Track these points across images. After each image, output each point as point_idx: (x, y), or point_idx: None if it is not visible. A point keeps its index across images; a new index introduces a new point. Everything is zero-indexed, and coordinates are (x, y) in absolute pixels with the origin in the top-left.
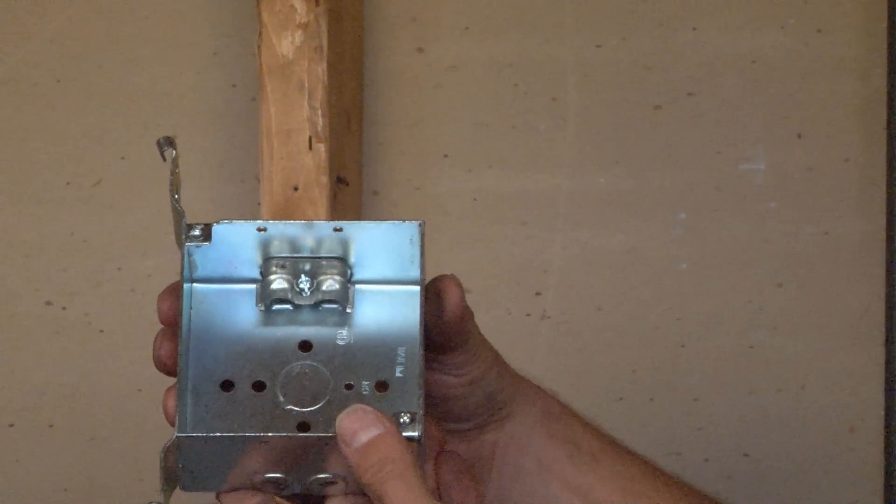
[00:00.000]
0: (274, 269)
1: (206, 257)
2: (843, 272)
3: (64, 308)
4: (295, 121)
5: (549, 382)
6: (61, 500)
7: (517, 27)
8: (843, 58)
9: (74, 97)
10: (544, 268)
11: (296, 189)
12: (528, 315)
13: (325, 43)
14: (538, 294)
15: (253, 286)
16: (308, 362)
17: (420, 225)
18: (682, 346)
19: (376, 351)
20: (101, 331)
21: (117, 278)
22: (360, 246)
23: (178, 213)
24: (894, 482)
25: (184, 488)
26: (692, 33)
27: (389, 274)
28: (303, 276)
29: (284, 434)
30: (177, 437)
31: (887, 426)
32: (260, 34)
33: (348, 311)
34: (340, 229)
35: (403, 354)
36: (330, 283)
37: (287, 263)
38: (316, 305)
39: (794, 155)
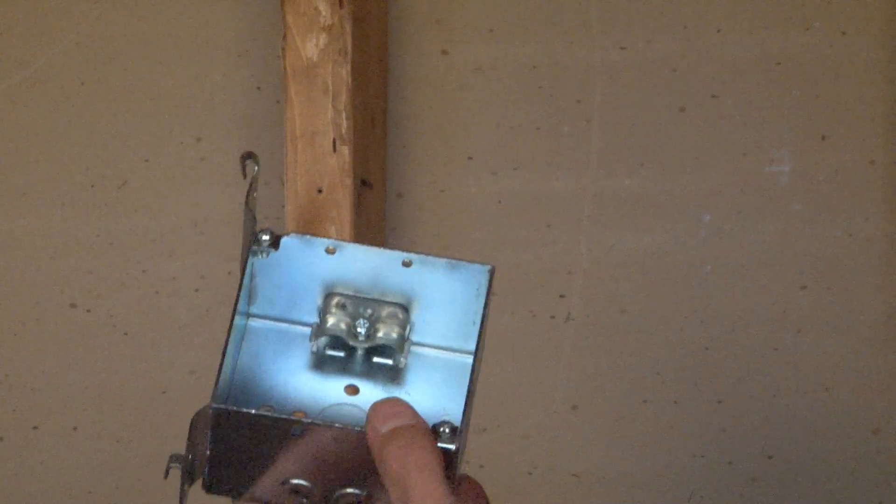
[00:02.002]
0: (335, 303)
1: (266, 278)
2: (868, 274)
3: (88, 310)
4: (319, 123)
5: (573, 384)
6: (87, 502)
7: (542, 30)
8: (869, 60)
9: (100, 100)
10: (569, 270)
11: (320, 191)
12: (553, 317)
13: (349, 45)
14: (562, 296)
15: (306, 328)
16: (351, 403)
17: (490, 268)
18: (707, 349)
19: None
20: (126, 333)
21: (142, 280)
22: (424, 294)
23: (250, 223)
24: None
25: (206, 488)
26: (717, 35)
27: (449, 334)
28: (361, 319)
29: (316, 421)
30: (213, 406)
31: None
32: (284, 37)
33: (402, 363)
34: (409, 262)
35: (456, 407)
36: (389, 333)
37: (348, 303)
38: (368, 355)
39: (818, 157)
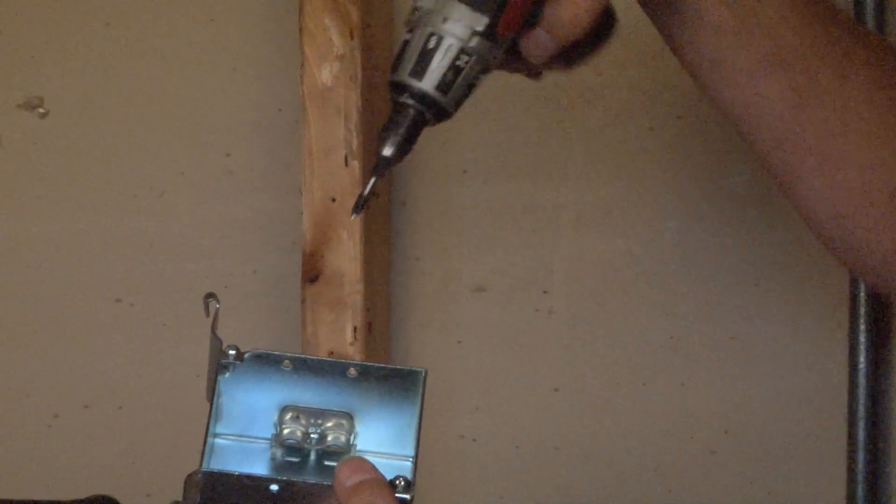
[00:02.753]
0: (288, 416)
1: (231, 398)
2: (814, 272)
3: (132, 304)
4: (333, 140)
5: (555, 369)
6: (131, 471)
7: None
8: None
9: (142, 120)
10: (551, 269)
11: (333, 200)
12: (537, 310)
13: (359, 72)
14: (545, 293)
15: (264, 442)
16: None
17: (423, 373)
18: (671, 338)
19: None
20: (164, 324)
21: (178, 278)
22: (366, 403)
23: (216, 345)
24: (855, 454)
25: None
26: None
27: (387, 440)
28: (312, 426)
29: (292, 479)
30: (201, 471)
31: (850, 406)
32: (302, 65)
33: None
34: (354, 372)
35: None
36: (336, 439)
37: (301, 411)
38: (320, 458)
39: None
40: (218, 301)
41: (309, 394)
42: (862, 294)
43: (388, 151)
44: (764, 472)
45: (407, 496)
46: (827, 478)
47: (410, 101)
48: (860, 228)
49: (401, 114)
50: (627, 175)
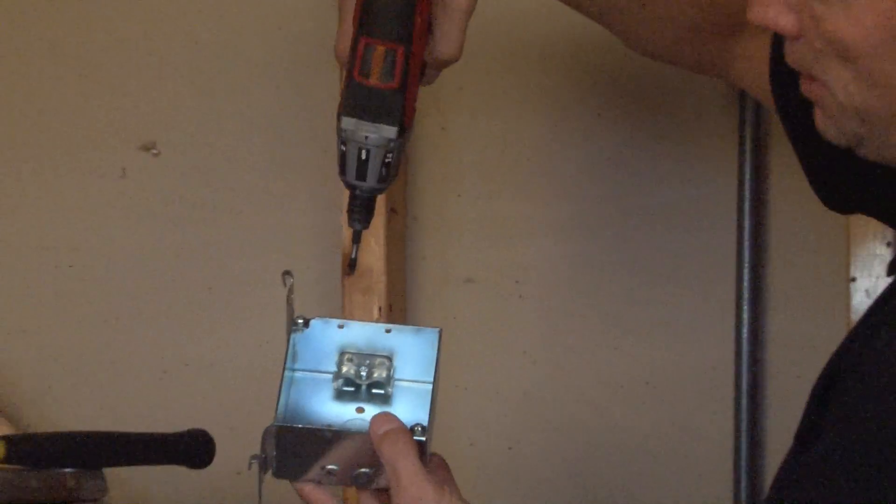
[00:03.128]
0: (346, 359)
1: (304, 347)
2: (711, 269)
3: (222, 292)
4: None
5: (523, 338)
6: (218, 417)
7: (506, 110)
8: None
9: (231, 157)
10: (524, 266)
11: None
12: (510, 296)
13: None
14: (517, 282)
15: (329, 375)
16: (360, 418)
17: (439, 331)
18: (607, 314)
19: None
20: (245, 307)
21: (256, 273)
22: (400, 348)
23: (289, 320)
24: (740, 386)
25: (276, 474)
26: (598, 118)
27: (417, 371)
28: (363, 366)
29: (339, 429)
30: (275, 425)
31: (736, 357)
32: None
33: (389, 392)
34: (388, 330)
35: (424, 415)
36: (380, 375)
37: (355, 355)
38: (369, 388)
39: (678, 188)
40: (292, 276)
41: (359, 344)
42: (745, 290)
43: (358, 226)
44: (671, 406)
45: (423, 438)
46: (717, 410)
47: (362, 193)
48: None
49: (357, 199)
50: (578, 195)
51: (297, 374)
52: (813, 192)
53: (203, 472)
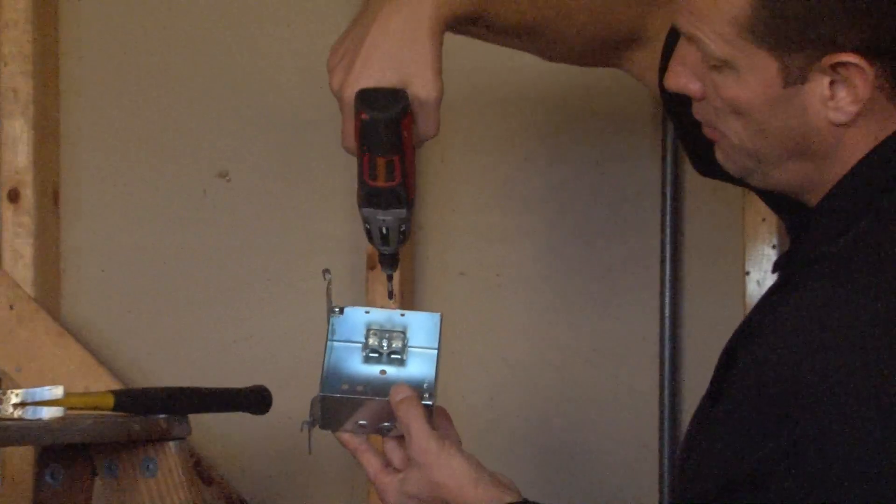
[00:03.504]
0: (371, 333)
1: (340, 325)
2: (640, 275)
3: (277, 284)
4: None
5: (501, 313)
6: (277, 387)
7: (500, 149)
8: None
9: (290, 183)
10: (502, 262)
11: None
12: (493, 285)
13: None
14: (498, 275)
15: (359, 345)
16: (383, 379)
17: (440, 315)
18: (558, 294)
19: (411, 377)
20: (297, 294)
21: (301, 272)
22: (411, 325)
23: (329, 308)
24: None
25: (322, 426)
26: (555, 137)
27: (424, 342)
28: (384, 339)
29: (370, 397)
30: (321, 395)
31: (660, 331)
32: None
33: (405, 358)
34: (403, 314)
35: (430, 377)
36: (396, 345)
37: (378, 331)
38: (389, 355)
39: (611, 202)
40: (330, 273)
41: (381, 322)
42: (667, 282)
43: (389, 272)
44: (612, 367)
45: (430, 403)
46: (646, 370)
47: (388, 252)
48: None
49: (385, 256)
50: (544, 209)
51: (337, 345)
52: (715, 208)
53: (262, 418)
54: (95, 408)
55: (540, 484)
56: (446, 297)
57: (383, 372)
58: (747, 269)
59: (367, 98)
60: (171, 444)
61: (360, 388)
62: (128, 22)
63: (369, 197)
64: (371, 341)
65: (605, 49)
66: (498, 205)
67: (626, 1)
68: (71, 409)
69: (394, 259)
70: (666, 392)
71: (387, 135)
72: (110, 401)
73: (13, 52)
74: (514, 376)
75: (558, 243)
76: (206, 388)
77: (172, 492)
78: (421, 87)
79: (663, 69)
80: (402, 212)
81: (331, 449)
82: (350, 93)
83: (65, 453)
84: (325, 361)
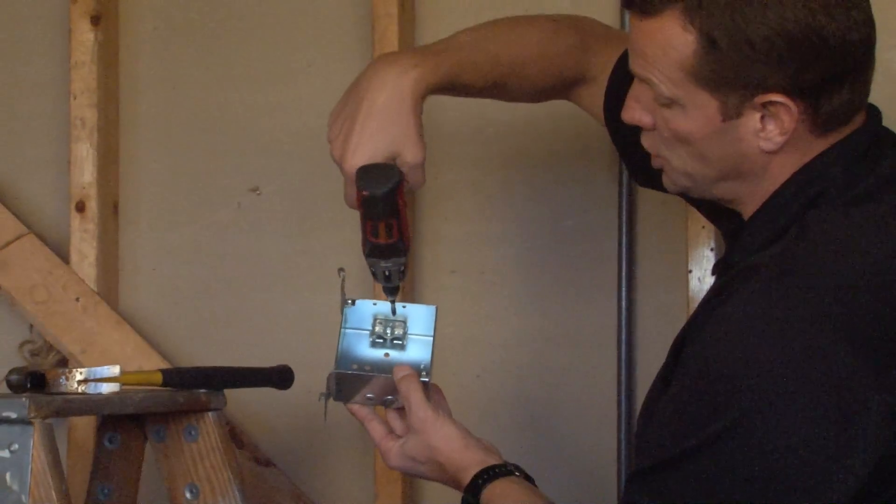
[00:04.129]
0: (377, 322)
1: (352, 315)
2: (593, 270)
3: (305, 287)
4: None
5: (484, 302)
6: (299, 365)
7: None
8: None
9: (311, 200)
10: (485, 261)
11: None
12: (476, 277)
13: None
14: (482, 273)
15: (367, 332)
16: (386, 361)
17: (436, 308)
18: (527, 279)
19: (410, 360)
20: (317, 294)
21: (313, 270)
22: (411, 316)
23: (342, 300)
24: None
25: (336, 398)
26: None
27: (422, 330)
28: (388, 327)
29: (375, 375)
30: (335, 372)
31: (617, 310)
32: None
33: (405, 344)
34: (404, 306)
35: (427, 359)
36: (398, 332)
37: (383, 320)
38: (392, 340)
39: (576, 214)
40: (344, 271)
41: (385, 313)
42: (623, 276)
43: (391, 298)
44: (576, 350)
45: (427, 379)
46: (605, 354)
47: (390, 287)
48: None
49: (388, 289)
50: (519, 220)
51: (349, 331)
52: (663, 217)
53: (285, 392)
54: (147, 384)
55: (517, 448)
56: (440, 292)
57: (387, 355)
58: (690, 267)
59: (366, 176)
60: (210, 414)
61: (367, 368)
62: (177, 62)
63: (373, 250)
64: (377, 329)
65: (556, 90)
66: (482, 215)
67: (567, 52)
68: (126, 385)
69: (395, 290)
70: (622, 370)
71: (384, 206)
72: (159, 378)
73: (81, 88)
74: (496, 358)
75: (533, 247)
76: (239, 368)
77: (210, 454)
78: (409, 154)
79: (608, 104)
80: (402, 259)
81: (343, 420)
82: (350, 167)
83: (121, 422)
84: (340, 344)
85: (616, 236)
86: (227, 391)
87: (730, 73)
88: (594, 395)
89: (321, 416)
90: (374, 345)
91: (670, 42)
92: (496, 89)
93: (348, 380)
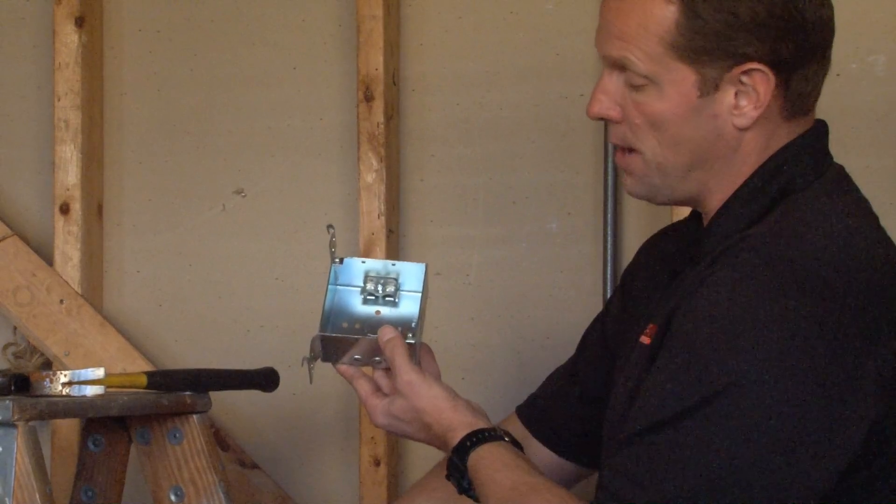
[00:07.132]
0: (369, 279)
1: (341, 273)
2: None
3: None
4: (373, 209)
5: (471, 308)
6: (283, 368)
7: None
8: None
9: (299, 202)
10: (468, 262)
11: (373, 234)
12: (459, 279)
13: (384, 177)
14: (466, 276)
15: (358, 289)
16: (377, 318)
17: (426, 265)
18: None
19: (402, 316)
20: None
21: (299, 270)
22: (402, 273)
23: (332, 257)
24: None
25: (323, 360)
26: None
27: (412, 286)
28: (380, 284)
29: (362, 336)
30: (319, 334)
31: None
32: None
33: (397, 300)
34: (394, 264)
35: (415, 317)
36: (390, 289)
37: (374, 277)
38: (384, 297)
39: (562, 212)
40: (333, 227)
41: (377, 270)
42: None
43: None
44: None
45: (412, 341)
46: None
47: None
48: None
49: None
50: (501, 224)
51: (339, 288)
52: (648, 220)
53: (271, 394)
54: (131, 386)
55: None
56: (430, 289)
57: (378, 312)
58: None
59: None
60: (195, 416)
61: (357, 327)
62: (161, 65)
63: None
64: (368, 286)
65: None
66: (467, 218)
67: None
68: (110, 387)
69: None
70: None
71: None
72: (144, 380)
73: (65, 90)
74: (480, 361)
75: (517, 249)
76: (224, 370)
77: (195, 456)
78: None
79: None
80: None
81: (329, 422)
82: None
83: (105, 424)
84: (326, 304)
85: (601, 240)
86: (212, 393)
87: (711, 43)
88: None
89: (306, 417)
90: (365, 301)
91: (651, 15)
92: None
93: (334, 342)
